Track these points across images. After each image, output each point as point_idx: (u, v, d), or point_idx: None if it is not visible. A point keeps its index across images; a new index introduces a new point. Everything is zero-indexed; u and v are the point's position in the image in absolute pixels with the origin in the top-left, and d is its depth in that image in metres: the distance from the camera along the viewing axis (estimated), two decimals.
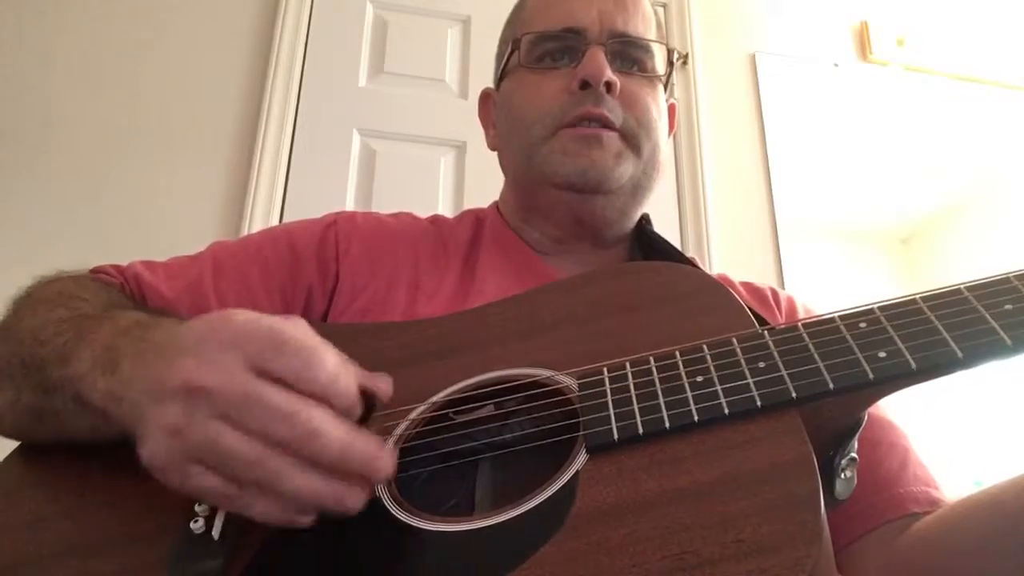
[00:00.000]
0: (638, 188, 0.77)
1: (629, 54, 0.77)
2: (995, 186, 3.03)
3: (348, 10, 1.96)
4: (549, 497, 0.42)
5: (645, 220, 0.82)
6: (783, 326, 0.47)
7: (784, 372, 0.43)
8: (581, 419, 0.45)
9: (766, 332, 0.47)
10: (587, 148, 0.72)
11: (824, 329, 0.45)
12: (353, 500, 0.42)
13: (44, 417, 0.53)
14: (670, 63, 0.81)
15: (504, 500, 0.43)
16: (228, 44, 1.85)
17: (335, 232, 0.76)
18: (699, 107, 2.04)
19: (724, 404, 0.42)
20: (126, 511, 0.48)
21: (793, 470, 0.39)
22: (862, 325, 0.44)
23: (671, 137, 0.85)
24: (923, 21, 2.37)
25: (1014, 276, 0.44)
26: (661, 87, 0.79)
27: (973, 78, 2.33)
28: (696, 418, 0.42)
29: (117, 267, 0.71)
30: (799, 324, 0.46)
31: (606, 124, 0.72)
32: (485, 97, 0.89)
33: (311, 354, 0.42)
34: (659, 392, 0.45)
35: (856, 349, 0.43)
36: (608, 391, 0.46)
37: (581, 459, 0.43)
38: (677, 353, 0.47)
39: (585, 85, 0.72)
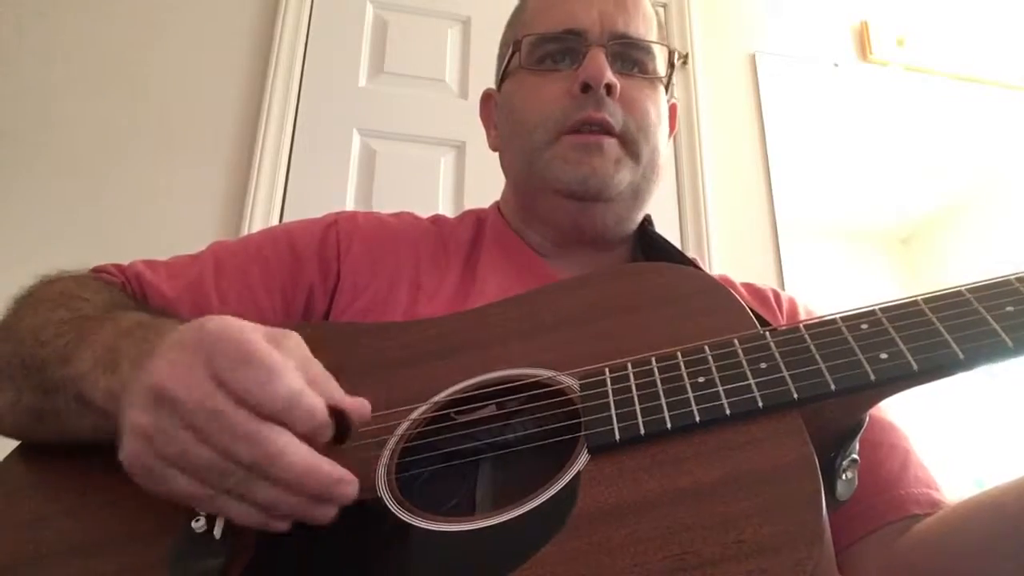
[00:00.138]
0: (638, 192, 0.76)
1: (630, 55, 0.76)
2: (995, 186, 3.03)
3: (348, 10, 1.96)
4: (550, 497, 0.42)
5: (647, 221, 0.82)
6: (785, 327, 0.47)
7: (786, 373, 0.43)
8: (583, 419, 0.45)
9: (768, 333, 0.47)
10: (588, 156, 0.72)
11: (826, 330, 0.45)
12: (321, 513, 0.43)
13: (45, 417, 0.54)
14: (671, 64, 0.81)
15: (505, 500, 0.44)
16: (228, 44, 1.85)
17: (336, 232, 0.76)
18: (699, 107, 2.03)
19: (726, 405, 0.43)
20: (127, 510, 0.48)
21: (794, 471, 0.39)
22: (864, 326, 0.44)
23: (671, 138, 0.85)
24: (923, 21, 2.36)
25: (1015, 278, 0.44)
26: (662, 88, 0.79)
27: (973, 78, 2.33)
28: (698, 419, 0.42)
29: (118, 266, 0.71)
30: (801, 325, 0.46)
31: (607, 129, 0.72)
32: (486, 98, 0.89)
33: (271, 372, 0.41)
34: (661, 393, 0.45)
35: (858, 350, 0.43)
36: (610, 391, 0.46)
37: (582, 459, 0.43)
38: (679, 354, 0.47)
39: (586, 88, 0.72)
